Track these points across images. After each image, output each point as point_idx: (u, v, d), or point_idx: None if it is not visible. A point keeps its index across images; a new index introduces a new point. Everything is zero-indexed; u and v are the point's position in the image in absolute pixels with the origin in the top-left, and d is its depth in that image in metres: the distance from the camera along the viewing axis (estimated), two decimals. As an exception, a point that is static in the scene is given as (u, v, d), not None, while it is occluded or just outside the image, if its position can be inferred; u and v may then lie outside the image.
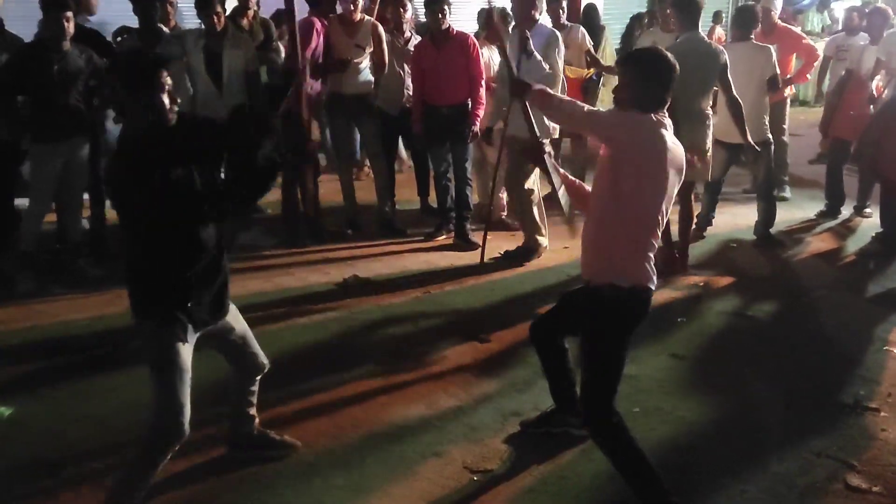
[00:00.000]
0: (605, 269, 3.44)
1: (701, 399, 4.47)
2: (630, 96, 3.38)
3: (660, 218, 3.39)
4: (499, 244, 7.05)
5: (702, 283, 6.22)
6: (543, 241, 6.70)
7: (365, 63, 7.13)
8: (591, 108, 3.65)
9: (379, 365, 4.84)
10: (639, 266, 3.40)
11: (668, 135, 3.35)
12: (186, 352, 3.27)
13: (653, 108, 3.34)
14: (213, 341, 3.51)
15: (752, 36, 7.03)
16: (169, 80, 3.21)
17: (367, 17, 7.11)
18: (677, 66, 3.40)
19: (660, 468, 3.42)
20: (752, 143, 6.45)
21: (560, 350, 3.98)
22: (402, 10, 7.31)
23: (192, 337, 3.31)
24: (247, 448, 3.86)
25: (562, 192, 3.89)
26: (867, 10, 9.06)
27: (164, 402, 3.23)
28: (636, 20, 9.98)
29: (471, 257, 6.77)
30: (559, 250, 6.75)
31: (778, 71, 7.00)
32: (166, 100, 3.19)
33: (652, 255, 3.42)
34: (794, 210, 8.30)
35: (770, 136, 6.95)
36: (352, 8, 6.92)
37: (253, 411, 3.86)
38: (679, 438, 4.08)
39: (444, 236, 7.22)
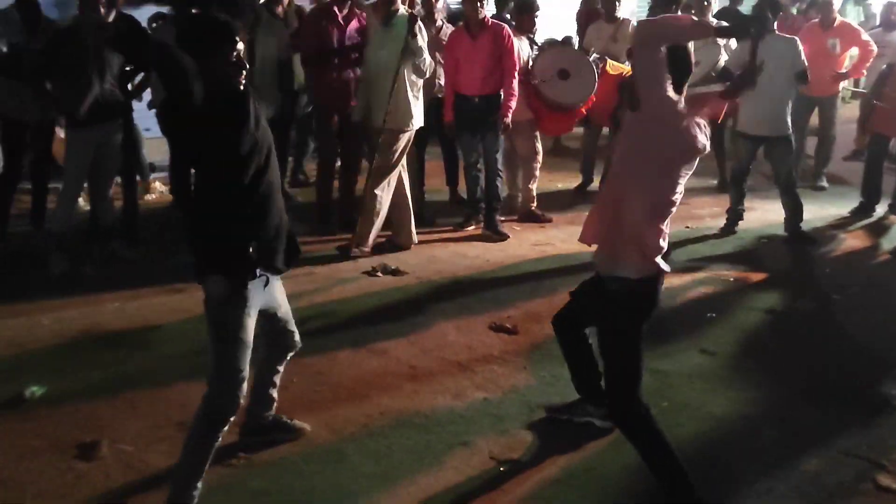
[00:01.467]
0: (611, 260, 3.43)
1: (730, 395, 4.45)
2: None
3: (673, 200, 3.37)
4: (527, 236, 7.07)
5: (732, 279, 6.18)
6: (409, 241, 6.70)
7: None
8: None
9: (406, 354, 4.86)
10: (647, 255, 3.38)
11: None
12: (251, 325, 3.33)
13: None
14: (261, 319, 3.53)
15: (776, 28, 7.04)
16: (241, 46, 3.24)
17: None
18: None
19: (687, 463, 3.41)
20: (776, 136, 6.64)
21: (581, 341, 3.99)
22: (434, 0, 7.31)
23: (258, 303, 3.37)
24: (263, 432, 3.88)
25: None
26: None
27: (224, 372, 3.29)
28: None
29: (500, 248, 6.78)
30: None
31: (806, 64, 6.95)
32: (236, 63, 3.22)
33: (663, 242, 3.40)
34: (828, 207, 8.22)
35: (790, 131, 6.96)
36: None
37: (275, 393, 3.89)
38: (707, 434, 4.07)
39: (473, 227, 7.23)
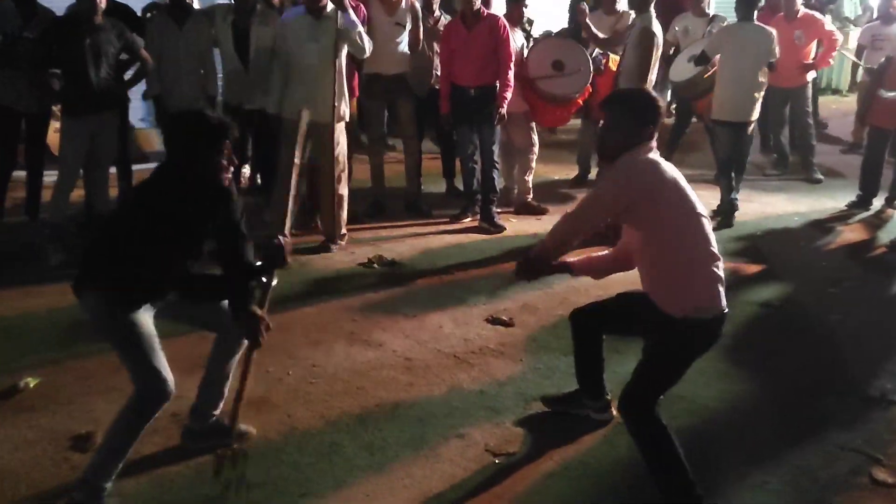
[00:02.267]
0: (677, 301, 3.41)
1: (725, 389, 4.46)
2: (621, 137, 3.43)
3: (708, 235, 3.41)
4: (524, 227, 7.08)
5: (728, 272, 6.17)
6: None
7: (403, 42, 7.13)
8: (580, 206, 3.59)
9: (402, 346, 4.86)
10: (710, 293, 3.39)
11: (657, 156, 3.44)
12: (145, 317, 3.33)
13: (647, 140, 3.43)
14: (197, 310, 3.56)
15: (754, 17, 7.30)
16: (228, 147, 3.30)
17: None
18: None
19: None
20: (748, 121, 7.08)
21: (599, 340, 3.98)
22: None
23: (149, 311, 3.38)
24: (203, 438, 3.76)
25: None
26: None
27: (141, 374, 3.29)
28: None
29: (497, 240, 6.78)
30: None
31: (777, 55, 7.18)
32: (225, 163, 3.29)
33: (719, 274, 3.42)
34: (825, 199, 8.23)
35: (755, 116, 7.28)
36: None
37: (226, 390, 3.80)
38: (702, 428, 4.07)
39: (469, 219, 7.22)
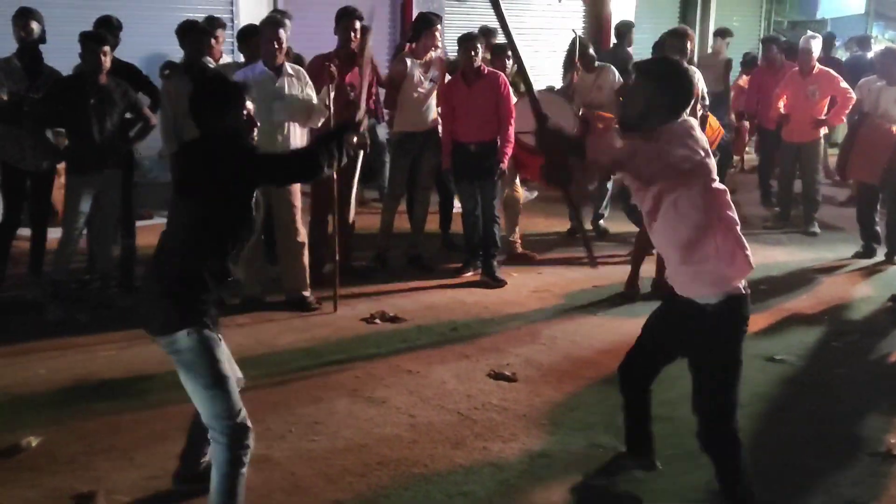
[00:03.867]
0: (710, 284, 3.44)
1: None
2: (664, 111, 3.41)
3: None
4: (525, 282, 7.09)
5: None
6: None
7: (433, 98, 7.25)
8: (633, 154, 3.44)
9: (405, 403, 4.83)
10: (739, 267, 3.45)
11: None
12: (226, 355, 3.41)
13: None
14: None
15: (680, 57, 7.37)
16: (250, 105, 3.47)
17: (434, 53, 7.29)
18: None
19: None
20: None
21: (648, 392, 3.98)
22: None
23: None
24: (197, 480, 3.75)
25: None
26: (881, 52, 8.97)
27: (227, 410, 3.31)
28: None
29: (498, 295, 6.80)
30: (588, 289, 6.80)
31: (703, 96, 7.15)
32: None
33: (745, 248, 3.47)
34: (824, 252, 8.26)
35: None
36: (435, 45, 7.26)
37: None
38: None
39: (471, 273, 7.23)
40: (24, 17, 6.32)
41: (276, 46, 6.08)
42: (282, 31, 6.12)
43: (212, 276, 3.32)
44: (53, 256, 6.19)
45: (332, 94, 6.19)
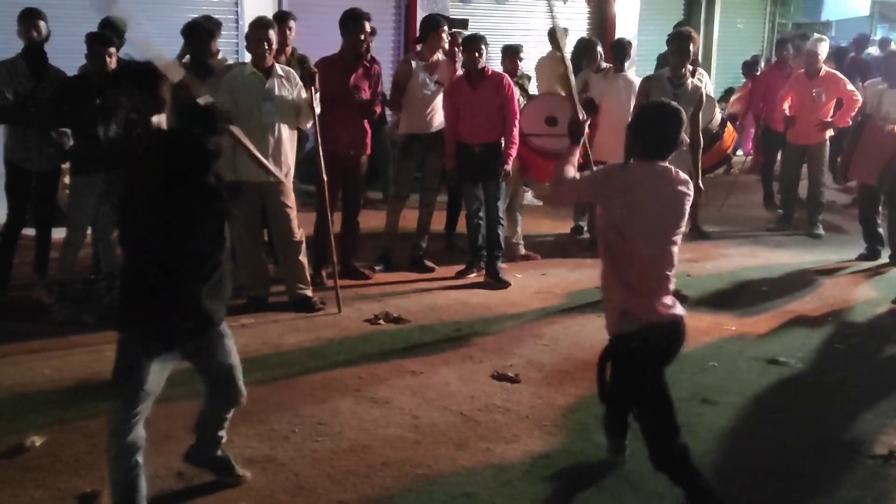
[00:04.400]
0: (610, 319, 3.69)
1: (732, 446, 4.45)
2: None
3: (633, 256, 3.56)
4: (529, 283, 7.11)
5: (734, 328, 6.19)
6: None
7: (439, 100, 7.27)
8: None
9: (409, 404, 4.85)
10: (640, 306, 3.57)
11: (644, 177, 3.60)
12: (154, 369, 3.44)
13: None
14: (199, 363, 3.71)
15: (625, 68, 8.03)
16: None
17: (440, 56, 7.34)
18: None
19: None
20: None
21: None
22: (456, 48, 7.57)
23: (165, 356, 3.49)
24: (207, 465, 3.91)
25: None
26: (883, 55, 8.99)
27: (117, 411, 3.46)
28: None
29: (502, 296, 6.82)
30: (590, 290, 6.81)
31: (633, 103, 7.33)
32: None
33: (654, 290, 3.56)
34: (828, 254, 8.28)
35: None
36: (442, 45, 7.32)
37: (223, 434, 3.91)
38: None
39: (474, 274, 7.24)
40: (31, 17, 6.33)
41: (266, 48, 6.04)
42: (272, 32, 6.08)
43: None
44: (58, 257, 6.21)
45: (317, 96, 6.16)
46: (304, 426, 4.52)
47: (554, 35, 7.30)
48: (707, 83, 8.44)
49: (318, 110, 6.15)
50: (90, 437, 4.32)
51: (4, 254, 6.46)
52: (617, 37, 10.12)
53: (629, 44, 8.37)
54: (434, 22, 7.38)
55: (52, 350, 5.44)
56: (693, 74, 7.84)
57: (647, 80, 6.99)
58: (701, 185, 6.87)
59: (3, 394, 4.85)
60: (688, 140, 6.46)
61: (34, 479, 3.94)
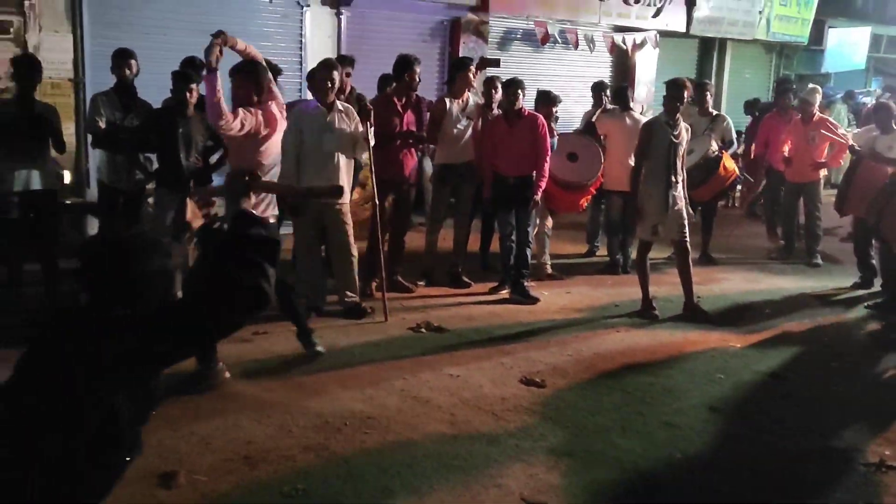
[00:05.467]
0: None
1: (734, 450, 4.43)
2: None
3: None
4: (554, 300, 7.14)
5: (739, 345, 6.17)
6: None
7: (469, 133, 7.34)
8: None
9: (447, 403, 4.88)
10: None
11: None
12: None
13: None
14: None
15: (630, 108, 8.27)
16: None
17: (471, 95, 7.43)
18: None
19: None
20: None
21: None
22: (493, 91, 7.53)
23: None
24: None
25: None
26: (874, 106, 8.96)
27: None
28: None
29: (530, 310, 6.86)
30: (610, 306, 6.84)
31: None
32: None
33: None
34: (826, 281, 8.22)
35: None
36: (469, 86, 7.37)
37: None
38: (714, 485, 4.05)
39: (506, 291, 7.28)
40: (124, 56, 6.52)
41: (329, 86, 6.13)
42: (335, 73, 6.18)
43: None
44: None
45: (372, 130, 6.24)
46: (354, 420, 4.57)
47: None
48: (730, 125, 8.61)
49: (372, 142, 6.26)
50: (170, 423, 4.38)
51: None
52: (622, 84, 10.29)
53: (627, 88, 8.88)
54: (461, 63, 7.48)
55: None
56: (716, 119, 8.42)
57: (647, 125, 6.92)
58: (691, 211, 7.08)
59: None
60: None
61: (120, 459, 4.02)
